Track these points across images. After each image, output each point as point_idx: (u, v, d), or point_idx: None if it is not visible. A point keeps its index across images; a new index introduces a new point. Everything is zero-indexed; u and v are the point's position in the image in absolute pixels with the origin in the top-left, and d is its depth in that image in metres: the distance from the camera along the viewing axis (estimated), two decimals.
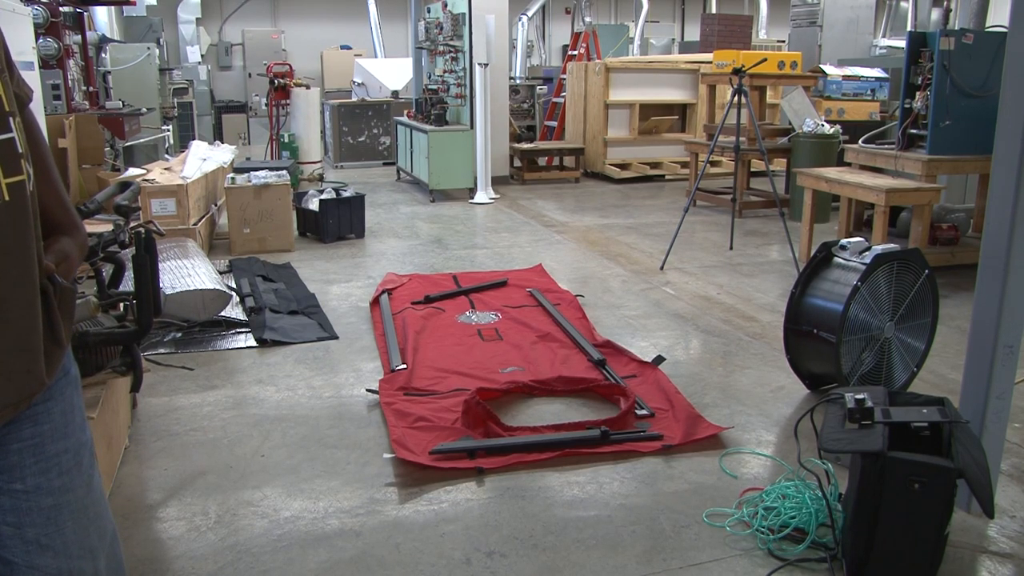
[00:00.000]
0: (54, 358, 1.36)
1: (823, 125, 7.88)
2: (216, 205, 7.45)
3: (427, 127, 9.28)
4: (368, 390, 3.80)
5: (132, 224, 3.41)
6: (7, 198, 1.22)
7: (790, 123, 8.36)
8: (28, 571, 1.37)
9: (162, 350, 4.35)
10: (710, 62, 9.67)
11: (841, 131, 7.91)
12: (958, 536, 2.59)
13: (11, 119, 1.25)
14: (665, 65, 11.73)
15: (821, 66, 9.68)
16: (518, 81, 14.20)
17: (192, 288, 4.62)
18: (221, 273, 5.53)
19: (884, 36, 15.75)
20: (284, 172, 6.90)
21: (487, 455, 3.11)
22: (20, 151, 1.26)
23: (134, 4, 10.55)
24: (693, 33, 19.58)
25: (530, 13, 16.42)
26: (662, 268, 6.10)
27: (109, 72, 9.33)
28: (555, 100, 12.44)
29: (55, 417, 1.40)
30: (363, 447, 3.25)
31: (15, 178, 1.24)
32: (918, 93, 5.85)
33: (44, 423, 1.38)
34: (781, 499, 2.70)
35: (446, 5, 9.68)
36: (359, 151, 12.67)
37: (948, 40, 5.56)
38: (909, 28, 13.67)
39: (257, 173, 6.67)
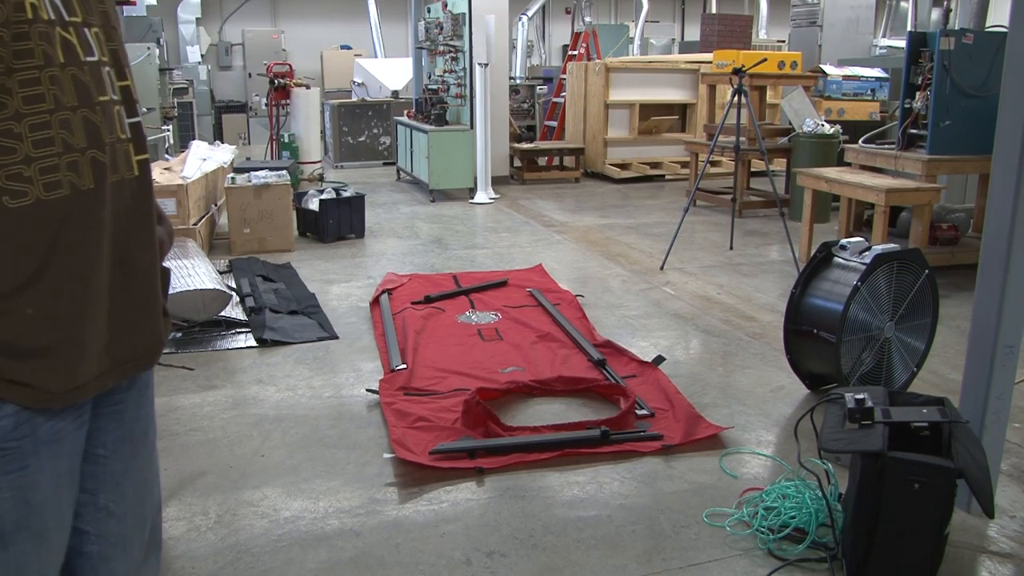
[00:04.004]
0: (163, 326, 1.46)
1: (823, 125, 7.87)
2: (216, 205, 7.45)
3: (427, 127, 9.28)
4: (368, 390, 3.80)
5: None
6: (137, 173, 1.34)
7: (790, 123, 8.36)
8: (96, 540, 1.40)
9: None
10: (710, 62, 9.67)
11: (841, 131, 7.91)
12: (958, 536, 2.59)
13: (137, 105, 1.37)
14: (665, 65, 11.72)
15: (821, 66, 9.68)
16: (518, 81, 14.20)
17: (192, 288, 4.62)
18: (221, 273, 5.53)
19: (884, 36, 15.75)
20: (284, 172, 6.89)
21: (487, 455, 3.11)
22: (144, 134, 1.39)
23: (134, 4, 10.55)
24: (693, 33, 19.57)
25: (530, 13, 16.42)
26: (662, 268, 6.10)
27: None
28: (555, 100, 12.43)
29: (135, 386, 1.45)
30: (363, 447, 3.25)
31: (143, 156, 1.36)
32: (918, 93, 5.85)
33: (127, 389, 1.43)
34: (781, 499, 2.70)
35: (446, 5, 9.68)
36: (359, 151, 12.67)
37: (948, 40, 5.56)
38: (909, 28, 13.67)
39: (257, 173, 6.67)
